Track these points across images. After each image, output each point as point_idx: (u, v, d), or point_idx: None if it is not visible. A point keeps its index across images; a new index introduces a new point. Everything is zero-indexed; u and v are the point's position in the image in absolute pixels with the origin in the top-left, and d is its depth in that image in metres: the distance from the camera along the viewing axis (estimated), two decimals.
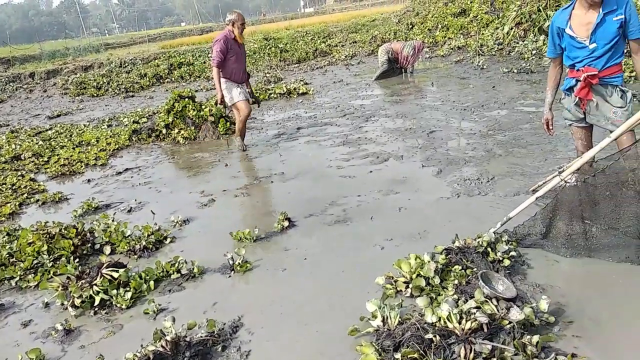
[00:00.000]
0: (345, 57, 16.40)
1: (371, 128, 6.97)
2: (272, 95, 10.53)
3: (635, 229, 2.89)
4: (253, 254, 3.61)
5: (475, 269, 2.80)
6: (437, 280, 2.75)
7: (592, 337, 2.33)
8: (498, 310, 2.38)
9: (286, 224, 3.96)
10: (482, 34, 13.14)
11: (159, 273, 3.43)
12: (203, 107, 7.79)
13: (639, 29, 3.04)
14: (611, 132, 2.94)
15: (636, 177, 2.93)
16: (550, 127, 3.57)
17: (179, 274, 3.41)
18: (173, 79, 16.48)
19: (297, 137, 6.98)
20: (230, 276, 3.34)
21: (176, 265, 3.47)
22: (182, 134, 7.52)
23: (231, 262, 3.39)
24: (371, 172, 5.10)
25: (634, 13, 3.01)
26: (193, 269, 3.41)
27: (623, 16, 2.99)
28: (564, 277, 2.86)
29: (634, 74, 6.76)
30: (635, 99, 5.74)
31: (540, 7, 11.49)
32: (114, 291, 3.19)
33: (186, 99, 7.70)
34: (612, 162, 2.82)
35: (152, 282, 3.33)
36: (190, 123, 7.64)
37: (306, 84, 11.68)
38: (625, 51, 3.21)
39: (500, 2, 13.85)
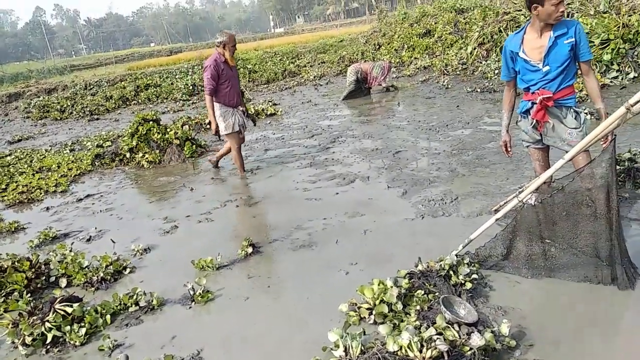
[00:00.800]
0: (314, 77, 16.52)
1: (338, 149, 6.98)
2: None
3: (592, 248, 2.93)
4: (215, 282, 3.52)
5: (437, 293, 2.78)
6: (399, 306, 2.72)
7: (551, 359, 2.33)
8: (459, 336, 2.36)
9: (250, 250, 3.88)
10: (447, 54, 13.44)
11: (116, 306, 3.30)
12: (168, 130, 7.69)
13: (588, 51, 3.13)
14: (567, 152, 2.99)
15: (592, 196, 2.98)
16: (509, 149, 3.62)
17: (137, 307, 3.29)
18: (140, 101, 16.25)
19: (264, 160, 6.94)
20: (190, 307, 3.24)
21: (134, 297, 3.35)
22: (147, 158, 7.38)
23: (192, 292, 3.29)
24: (337, 194, 5.08)
25: (583, 36, 3.10)
26: (152, 300, 3.30)
27: (574, 39, 3.07)
28: (525, 298, 2.87)
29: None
30: (593, 117, 5.92)
31: (501, 28, 11.84)
32: (68, 327, 3.05)
33: (150, 122, 7.58)
34: (567, 183, 2.86)
35: (108, 316, 3.20)
36: (154, 146, 7.51)
37: (275, 104, 11.67)
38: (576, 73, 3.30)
39: (464, 23, 14.22)
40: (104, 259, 3.92)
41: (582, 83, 6.82)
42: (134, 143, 7.54)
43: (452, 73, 11.99)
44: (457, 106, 8.74)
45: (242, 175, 6.25)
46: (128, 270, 3.93)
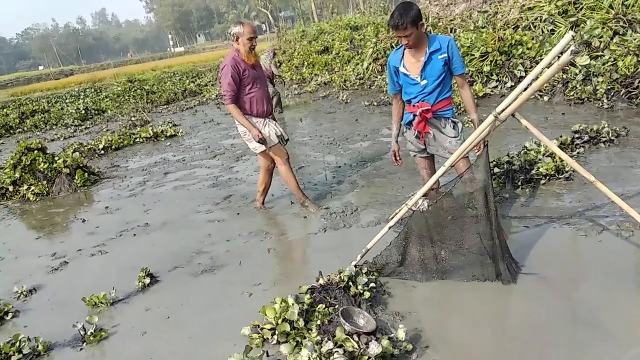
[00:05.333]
0: (216, 96, 16.28)
1: (242, 168, 6.91)
2: (138, 139, 10.04)
3: (478, 248, 3.12)
4: (110, 319, 3.30)
5: (337, 306, 2.81)
6: (301, 322, 2.71)
7: (445, 358, 2.44)
8: (359, 347, 2.40)
9: (148, 280, 3.69)
10: (345, 69, 13.88)
11: None
12: (56, 158, 7.16)
13: (461, 65, 3.38)
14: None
15: (474, 198, 3.19)
16: (398, 158, 3.79)
17: (21, 355, 2.98)
18: (26, 128, 15.05)
19: (164, 183, 6.68)
20: (82, 349, 3.00)
21: (17, 344, 3.04)
22: (33, 190, 6.80)
23: (82, 332, 3.05)
24: (238, 214, 5.01)
25: (456, 51, 3.34)
26: (37, 346, 3.01)
27: (446, 54, 3.29)
28: (420, 302, 2.99)
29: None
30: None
31: (393, 44, 12.45)
32: None
33: (35, 151, 7.02)
34: (449, 188, 3.04)
35: None
36: (41, 177, 6.95)
37: (175, 125, 11.35)
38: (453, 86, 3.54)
39: (359, 39, 14.79)
40: None
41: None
42: (17, 175, 6.93)
43: (351, 88, 12.40)
44: (356, 120, 9.03)
45: (303, 200, 4.84)
46: (10, 315, 3.57)
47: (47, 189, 6.88)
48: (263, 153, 4.69)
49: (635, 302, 2.69)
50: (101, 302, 3.46)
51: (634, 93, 6.77)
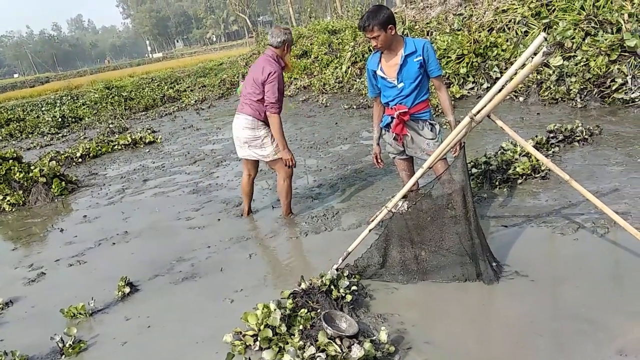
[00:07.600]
0: (195, 101, 16.18)
1: (222, 173, 6.87)
2: (116, 147, 9.92)
3: (457, 248, 3.15)
4: (89, 330, 3.24)
5: (320, 310, 2.81)
6: (283, 328, 2.70)
7: (428, 359, 2.46)
8: (342, 350, 2.40)
9: (128, 290, 3.64)
10: (324, 73, 13.90)
11: None
12: (32, 167, 7.03)
13: (438, 68, 3.42)
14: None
15: (452, 199, 3.23)
16: (379, 160, 3.82)
17: None
18: (0, 137, 14.75)
19: (143, 191, 6.60)
20: None
21: None
22: (8, 201, 6.66)
23: (61, 344, 3.00)
24: (219, 220, 4.98)
25: (432, 54, 3.38)
26: None
27: (422, 57, 3.33)
28: (402, 303, 3.01)
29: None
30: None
31: (371, 47, 12.54)
32: None
33: (10, 161, 6.89)
34: (428, 190, 3.07)
35: None
36: (17, 187, 6.82)
37: (154, 132, 11.23)
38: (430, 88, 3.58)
39: (337, 43, 14.84)
40: None
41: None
42: None
43: (330, 91, 12.43)
44: (336, 123, 9.06)
45: (288, 217, 4.70)
46: None
47: (23, 199, 6.74)
48: (255, 162, 4.58)
49: (612, 294, 2.75)
50: (80, 313, 3.40)
51: (606, 92, 6.93)
